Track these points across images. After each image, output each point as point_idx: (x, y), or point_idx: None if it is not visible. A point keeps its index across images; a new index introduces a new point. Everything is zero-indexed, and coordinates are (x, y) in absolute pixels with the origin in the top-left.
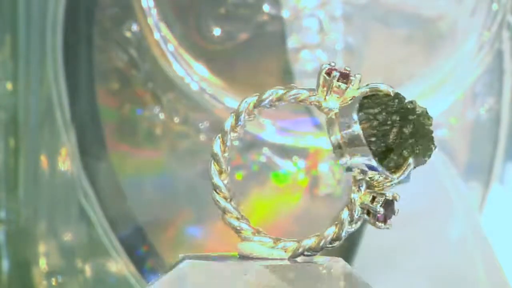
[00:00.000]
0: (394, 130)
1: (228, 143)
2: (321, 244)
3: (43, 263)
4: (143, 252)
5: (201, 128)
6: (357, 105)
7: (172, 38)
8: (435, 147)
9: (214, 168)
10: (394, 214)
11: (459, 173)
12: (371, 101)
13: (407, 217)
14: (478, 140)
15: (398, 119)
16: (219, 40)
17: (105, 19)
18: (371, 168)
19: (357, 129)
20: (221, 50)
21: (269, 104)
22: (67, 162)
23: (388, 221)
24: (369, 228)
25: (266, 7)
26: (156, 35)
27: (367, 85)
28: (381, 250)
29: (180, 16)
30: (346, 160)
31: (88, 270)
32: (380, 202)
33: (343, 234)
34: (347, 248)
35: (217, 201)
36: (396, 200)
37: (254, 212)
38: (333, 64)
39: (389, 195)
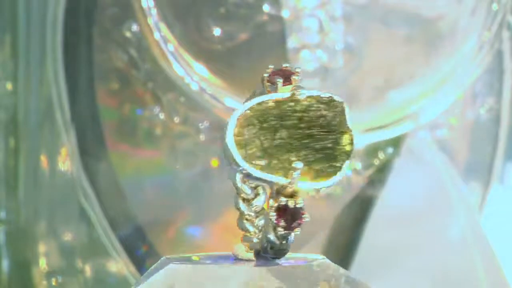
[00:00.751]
0: (276, 134)
1: None
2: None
3: (43, 263)
4: (143, 252)
5: (201, 128)
6: (238, 110)
7: (172, 38)
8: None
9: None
10: (292, 224)
11: (459, 173)
12: (259, 106)
13: (407, 217)
14: (478, 140)
15: (279, 124)
16: (219, 40)
17: (105, 19)
18: (248, 174)
19: (226, 138)
20: (221, 50)
21: None
22: (67, 162)
23: (291, 228)
24: (369, 227)
25: (266, 7)
26: (156, 35)
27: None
28: (381, 250)
29: (180, 16)
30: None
31: (88, 270)
32: (274, 208)
33: (272, 238)
34: (347, 248)
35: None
36: (292, 207)
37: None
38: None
39: (290, 202)
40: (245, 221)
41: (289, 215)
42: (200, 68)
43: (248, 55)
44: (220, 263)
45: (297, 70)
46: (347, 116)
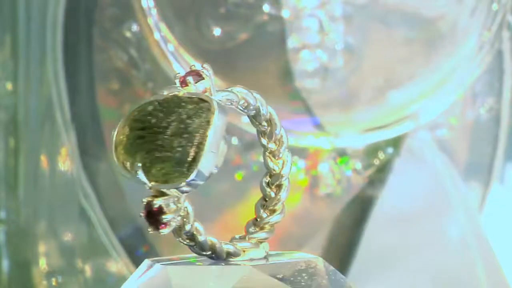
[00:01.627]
0: (128, 136)
1: None
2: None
3: (43, 263)
4: (143, 252)
5: None
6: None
7: (172, 38)
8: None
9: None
10: (151, 222)
11: (459, 172)
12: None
13: (407, 217)
14: (478, 140)
15: (131, 126)
16: (219, 40)
17: (105, 19)
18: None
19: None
20: (221, 50)
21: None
22: (67, 162)
23: (156, 228)
24: (369, 227)
25: (266, 7)
26: (156, 35)
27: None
28: (381, 249)
29: (180, 16)
30: None
31: (88, 270)
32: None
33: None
34: (347, 248)
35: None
36: (153, 208)
37: (254, 213)
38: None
39: (154, 202)
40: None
41: (149, 215)
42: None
43: (248, 55)
44: (206, 263)
45: (203, 71)
46: (212, 123)
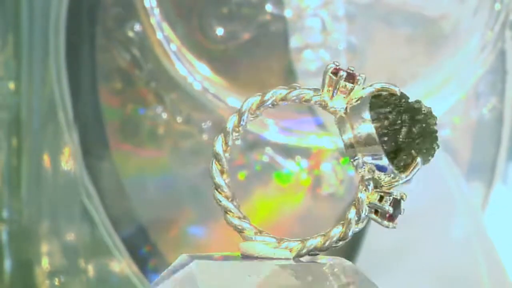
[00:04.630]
0: (404, 129)
1: (230, 143)
2: (326, 243)
3: (45, 263)
4: (145, 252)
5: (204, 127)
6: (369, 104)
7: (174, 37)
8: (438, 147)
9: (215, 167)
10: (401, 214)
11: (462, 172)
12: (380, 101)
13: (410, 216)
14: (481, 139)
15: (407, 118)
16: (222, 39)
17: (108, 19)
18: (381, 167)
19: (369, 128)
20: (224, 50)
21: (271, 104)
22: (70, 161)
23: (396, 220)
24: (372, 228)
25: (269, 7)
26: (159, 35)
27: (371, 85)
28: (384, 249)
29: (182, 16)
30: (358, 159)
31: (90, 269)
32: (389, 201)
33: (350, 233)
34: (349, 248)
35: (219, 200)
36: (404, 200)
37: (256, 212)
38: (337, 63)
39: (397, 194)
40: (233, 218)
41: (399, 209)
42: (202, 68)
43: (250, 55)
44: (234, 261)
45: (362, 75)
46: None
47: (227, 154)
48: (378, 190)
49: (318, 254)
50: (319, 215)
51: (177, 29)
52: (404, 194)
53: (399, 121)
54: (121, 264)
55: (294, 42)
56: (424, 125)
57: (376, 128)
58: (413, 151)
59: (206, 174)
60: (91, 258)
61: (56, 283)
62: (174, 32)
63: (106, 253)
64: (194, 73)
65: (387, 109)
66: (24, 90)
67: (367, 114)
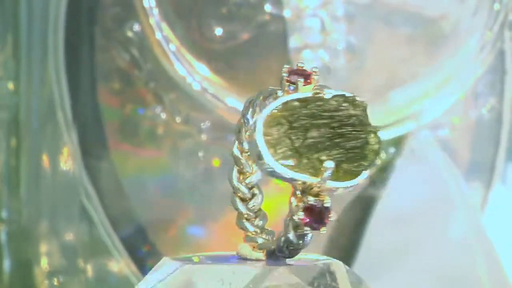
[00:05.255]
0: (308, 133)
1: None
2: (276, 248)
3: (44, 263)
4: (144, 252)
5: (203, 127)
6: (266, 110)
7: (173, 38)
8: (375, 152)
9: (235, 171)
10: (320, 223)
11: (461, 172)
12: (286, 106)
13: (408, 217)
14: (480, 140)
15: (310, 123)
16: (220, 39)
17: (107, 19)
18: (277, 174)
19: (255, 138)
20: (223, 50)
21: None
22: (69, 161)
23: (318, 227)
24: (371, 227)
25: (267, 7)
26: (158, 35)
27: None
28: (383, 249)
29: (181, 16)
30: (259, 166)
31: (89, 269)
32: (302, 208)
33: (291, 238)
34: (349, 247)
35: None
36: (319, 206)
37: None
38: (301, 64)
39: (316, 201)
40: (244, 221)
41: (317, 215)
42: (201, 68)
43: (249, 55)
44: (230, 263)
45: (315, 69)
46: (369, 115)
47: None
48: (310, 198)
49: (288, 257)
50: None
51: (176, 29)
52: (325, 202)
53: (296, 126)
54: (120, 264)
55: (293, 42)
56: (337, 129)
57: (268, 133)
58: (320, 156)
59: (205, 174)
60: (90, 258)
61: (55, 283)
62: (173, 32)
63: (105, 253)
64: (193, 73)
65: (286, 113)
66: (23, 90)
67: (257, 121)
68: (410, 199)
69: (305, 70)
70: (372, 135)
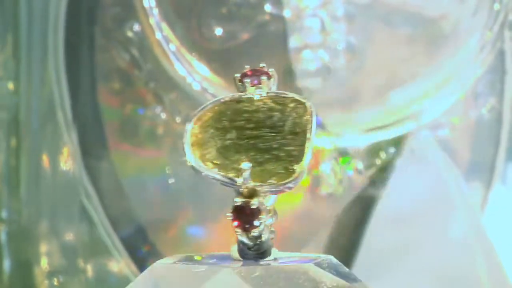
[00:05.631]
0: (227, 135)
1: None
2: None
3: (44, 263)
4: (144, 252)
5: None
6: (197, 111)
7: (173, 38)
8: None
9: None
10: (249, 225)
11: (461, 172)
12: (217, 107)
13: (408, 217)
14: (480, 140)
15: (230, 125)
16: (220, 39)
17: (107, 19)
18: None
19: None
20: (223, 50)
21: None
22: (69, 161)
23: (247, 229)
24: (371, 227)
25: (267, 7)
26: (158, 35)
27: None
28: (383, 249)
29: (182, 16)
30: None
31: (89, 269)
32: (231, 208)
33: (242, 239)
34: (349, 247)
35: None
36: (246, 208)
37: None
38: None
39: (244, 202)
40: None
41: (244, 216)
42: (201, 68)
43: (249, 55)
44: (206, 263)
45: (270, 71)
46: (313, 121)
47: None
48: (238, 196)
49: (262, 258)
50: (318, 215)
51: (176, 29)
52: (254, 203)
53: (212, 129)
54: (120, 264)
55: (293, 42)
56: (253, 131)
57: (196, 135)
58: (239, 157)
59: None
60: (90, 258)
61: (55, 283)
62: (173, 32)
63: (105, 253)
64: (193, 73)
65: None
66: (23, 90)
67: (187, 125)
68: (410, 199)
69: (257, 71)
70: (295, 138)
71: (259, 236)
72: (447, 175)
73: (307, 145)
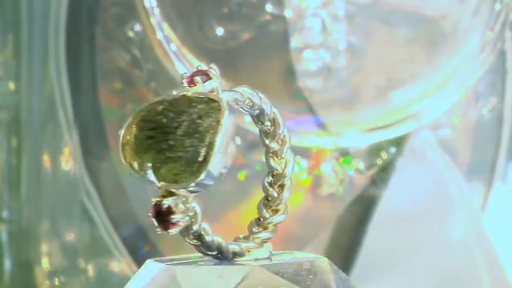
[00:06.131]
0: (136, 136)
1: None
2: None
3: (45, 263)
4: (145, 252)
5: None
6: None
7: (174, 37)
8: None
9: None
10: (162, 224)
11: (462, 173)
12: (140, 108)
13: (409, 216)
14: (480, 140)
15: (139, 126)
16: (221, 39)
17: (108, 19)
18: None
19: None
20: (224, 50)
21: None
22: (69, 161)
23: (164, 228)
24: (372, 227)
25: (269, 7)
26: (159, 35)
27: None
28: (384, 250)
29: (182, 16)
30: None
31: (90, 270)
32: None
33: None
34: (350, 247)
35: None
36: (157, 207)
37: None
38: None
39: (158, 201)
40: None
41: (158, 215)
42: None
43: (250, 55)
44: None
45: (209, 71)
46: (224, 122)
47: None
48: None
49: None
50: (319, 215)
51: (177, 29)
52: (161, 201)
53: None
54: (121, 264)
55: (294, 42)
56: (142, 131)
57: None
58: (144, 157)
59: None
60: (91, 258)
61: (56, 283)
62: (174, 32)
63: (106, 253)
64: None
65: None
66: (24, 90)
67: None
68: (410, 199)
69: (199, 72)
70: (191, 140)
71: (199, 237)
72: (448, 175)
73: (210, 147)
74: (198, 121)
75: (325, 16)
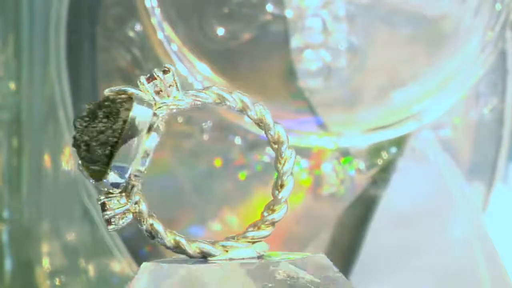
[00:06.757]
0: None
1: None
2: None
3: (46, 263)
4: (146, 252)
5: (205, 127)
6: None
7: (175, 37)
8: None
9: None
10: (104, 219)
11: (463, 173)
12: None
13: (410, 216)
14: (481, 140)
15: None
16: (222, 39)
17: (108, 19)
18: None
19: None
20: (225, 50)
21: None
22: (70, 161)
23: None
24: (372, 227)
25: (269, 7)
26: (160, 35)
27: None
28: (384, 250)
29: (183, 16)
30: None
31: (91, 270)
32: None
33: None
34: (350, 247)
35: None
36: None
37: (257, 212)
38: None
39: (99, 198)
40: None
41: (102, 210)
42: (203, 68)
43: (251, 55)
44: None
45: (157, 74)
46: (128, 121)
47: None
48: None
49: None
50: (319, 215)
51: (178, 29)
52: (103, 201)
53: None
54: (122, 264)
55: (295, 42)
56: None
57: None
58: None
59: (207, 174)
60: (91, 258)
61: (57, 283)
62: (175, 32)
63: (107, 253)
64: (195, 73)
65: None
66: (25, 90)
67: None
68: (411, 199)
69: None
70: (90, 142)
71: (152, 237)
72: (449, 175)
73: (107, 147)
74: (112, 119)
75: (326, 16)
